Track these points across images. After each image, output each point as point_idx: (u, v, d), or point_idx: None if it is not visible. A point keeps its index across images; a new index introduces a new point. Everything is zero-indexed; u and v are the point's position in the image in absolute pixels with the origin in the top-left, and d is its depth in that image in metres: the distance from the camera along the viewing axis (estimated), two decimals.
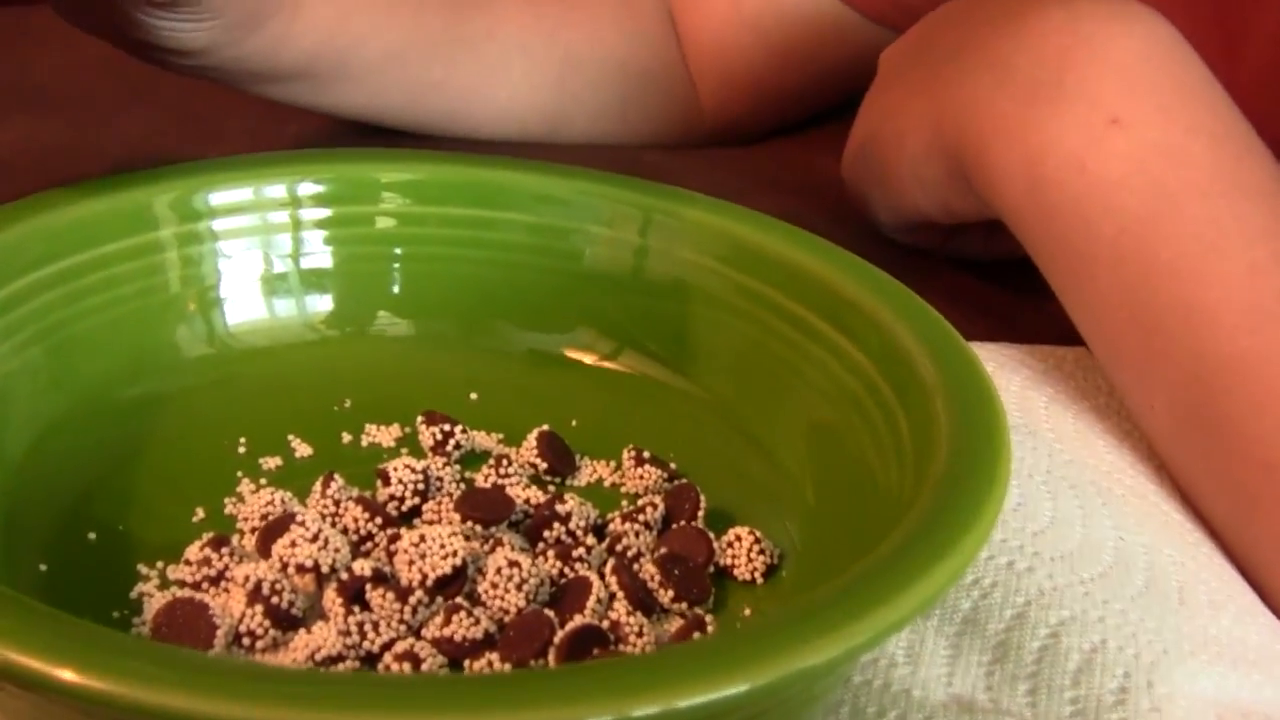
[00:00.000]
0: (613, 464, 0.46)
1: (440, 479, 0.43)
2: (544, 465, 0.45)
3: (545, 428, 0.46)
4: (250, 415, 0.47)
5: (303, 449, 0.46)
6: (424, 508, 0.42)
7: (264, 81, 0.56)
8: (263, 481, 0.44)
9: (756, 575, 0.41)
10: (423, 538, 0.39)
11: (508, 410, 0.48)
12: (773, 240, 0.47)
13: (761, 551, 0.42)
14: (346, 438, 0.46)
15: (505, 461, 0.44)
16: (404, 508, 0.42)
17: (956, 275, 0.58)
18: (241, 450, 0.45)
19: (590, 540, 0.41)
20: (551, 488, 0.45)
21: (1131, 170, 0.46)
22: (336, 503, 0.42)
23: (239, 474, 0.44)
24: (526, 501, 0.43)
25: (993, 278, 0.57)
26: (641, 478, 0.45)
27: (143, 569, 0.40)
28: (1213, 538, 0.45)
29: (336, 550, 0.39)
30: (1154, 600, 0.40)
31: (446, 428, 0.45)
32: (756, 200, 0.50)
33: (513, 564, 0.39)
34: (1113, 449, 0.45)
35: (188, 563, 0.40)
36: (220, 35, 0.50)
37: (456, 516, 0.41)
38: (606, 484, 0.45)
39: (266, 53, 0.54)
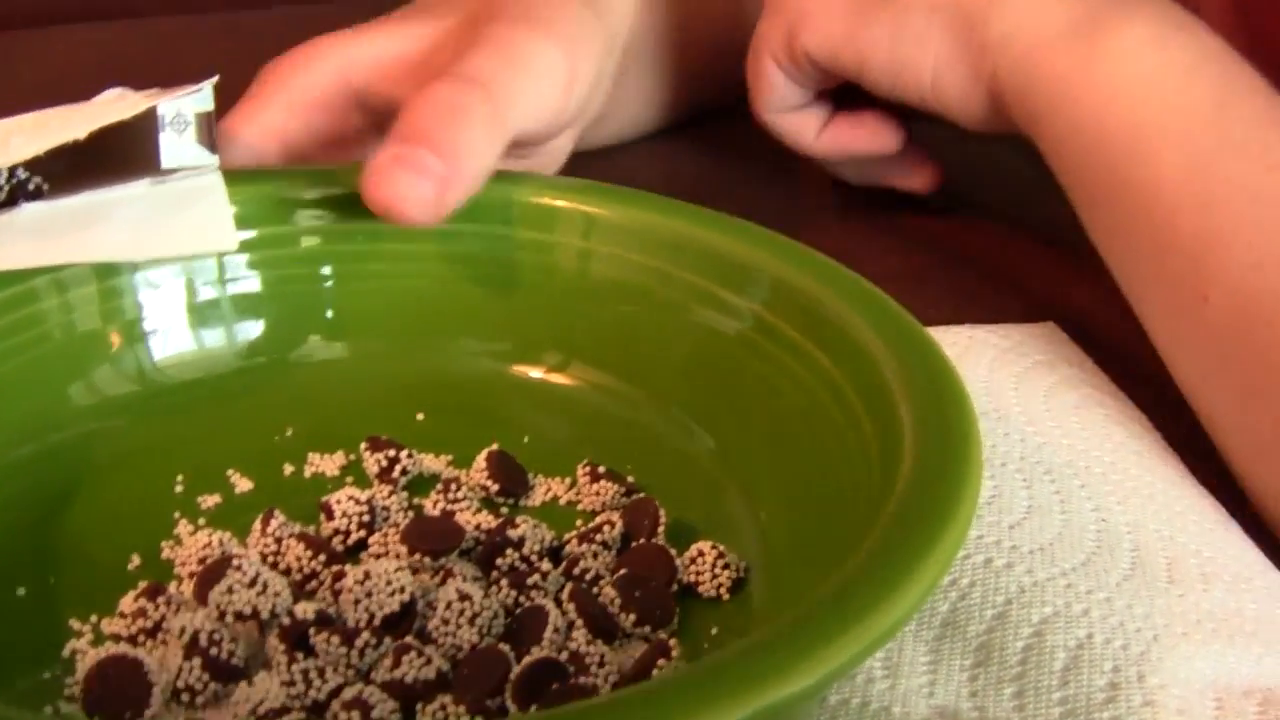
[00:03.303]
0: (568, 481, 0.44)
1: (386, 508, 0.41)
2: (495, 487, 0.43)
3: (495, 447, 0.44)
4: (186, 452, 0.44)
5: (243, 484, 0.43)
6: (370, 540, 0.40)
7: None
8: (201, 522, 0.42)
9: (722, 591, 0.39)
10: (368, 575, 0.37)
11: (456, 430, 0.45)
12: (721, 237, 0.45)
13: (726, 566, 0.40)
14: (289, 469, 0.44)
15: (454, 485, 0.42)
16: (349, 541, 0.40)
17: (919, 257, 0.56)
18: (178, 489, 0.43)
19: (545, 565, 0.39)
20: (504, 510, 0.43)
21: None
22: (278, 540, 0.40)
23: (176, 515, 0.42)
24: (477, 527, 0.41)
25: (956, 259, 0.56)
26: (598, 494, 0.43)
27: (75, 624, 0.38)
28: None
29: (277, 594, 0.37)
30: (1141, 583, 0.38)
31: (392, 454, 0.43)
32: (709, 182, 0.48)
33: (464, 598, 0.37)
34: (1088, 424, 0.44)
35: (122, 615, 0.38)
36: None
37: (404, 549, 0.39)
38: (562, 502, 0.43)
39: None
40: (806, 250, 0.44)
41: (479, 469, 0.43)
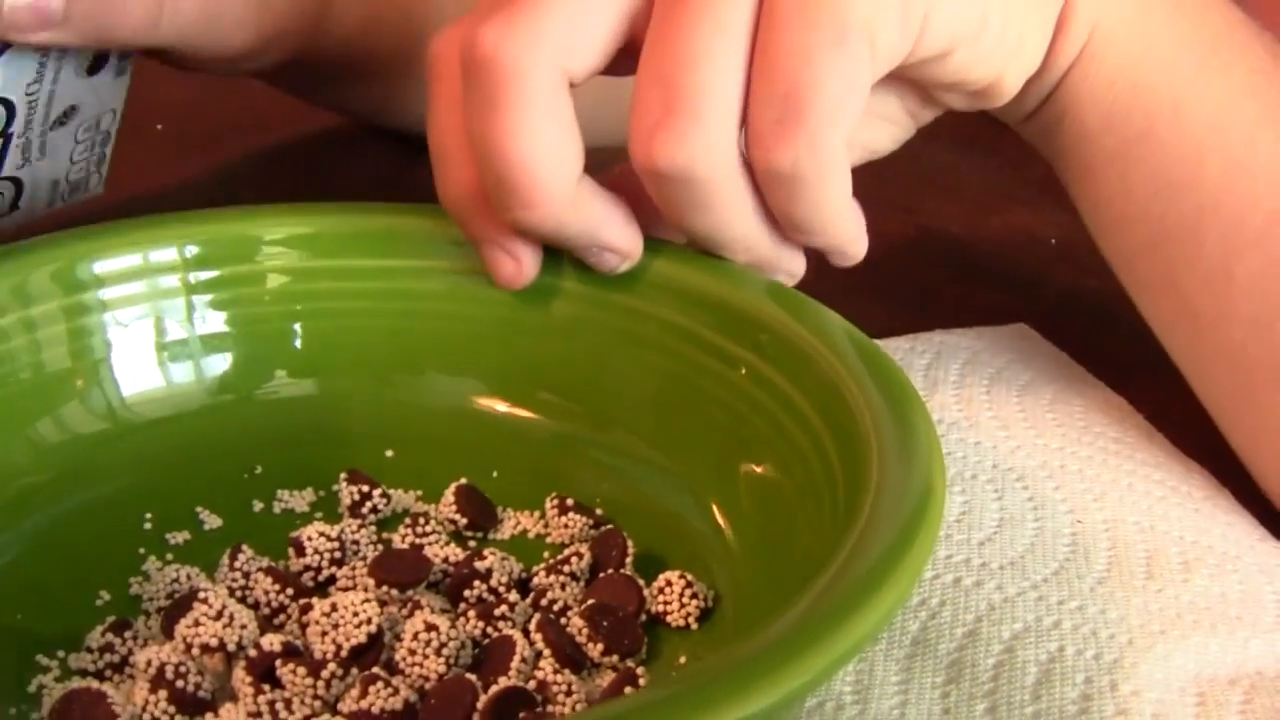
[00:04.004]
0: (536, 514, 0.44)
1: (356, 542, 0.41)
2: (464, 521, 0.43)
3: (463, 481, 0.44)
4: (154, 489, 0.44)
5: (212, 520, 0.43)
6: (338, 574, 0.40)
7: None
8: (169, 558, 0.42)
9: (690, 620, 0.39)
10: (335, 606, 0.37)
11: (425, 466, 0.45)
12: (686, 270, 0.45)
13: (694, 596, 0.40)
14: (258, 506, 0.44)
15: (423, 519, 0.42)
16: (321, 577, 0.40)
17: (883, 266, 0.56)
18: (147, 526, 0.43)
19: (513, 596, 0.39)
20: (473, 544, 0.43)
21: None
22: (246, 575, 0.40)
23: (144, 551, 0.42)
24: (445, 560, 0.41)
25: (920, 267, 0.56)
26: (566, 526, 0.43)
27: (42, 659, 0.38)
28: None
29: (243, 626, 0.37)
30: (1117, 584, 0.38)
31: (365, 489, 0.43)
32: None
33: (430, 628, 0.37)
34: (1064, 419, 0.44)
35: (89, 650, 0.38)
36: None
37: (371, 581, 0.39)
38: (531, 535, 0.43)
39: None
40: (769, 280, 0.45)
41: (447, 503, 0.43)
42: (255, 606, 0.39)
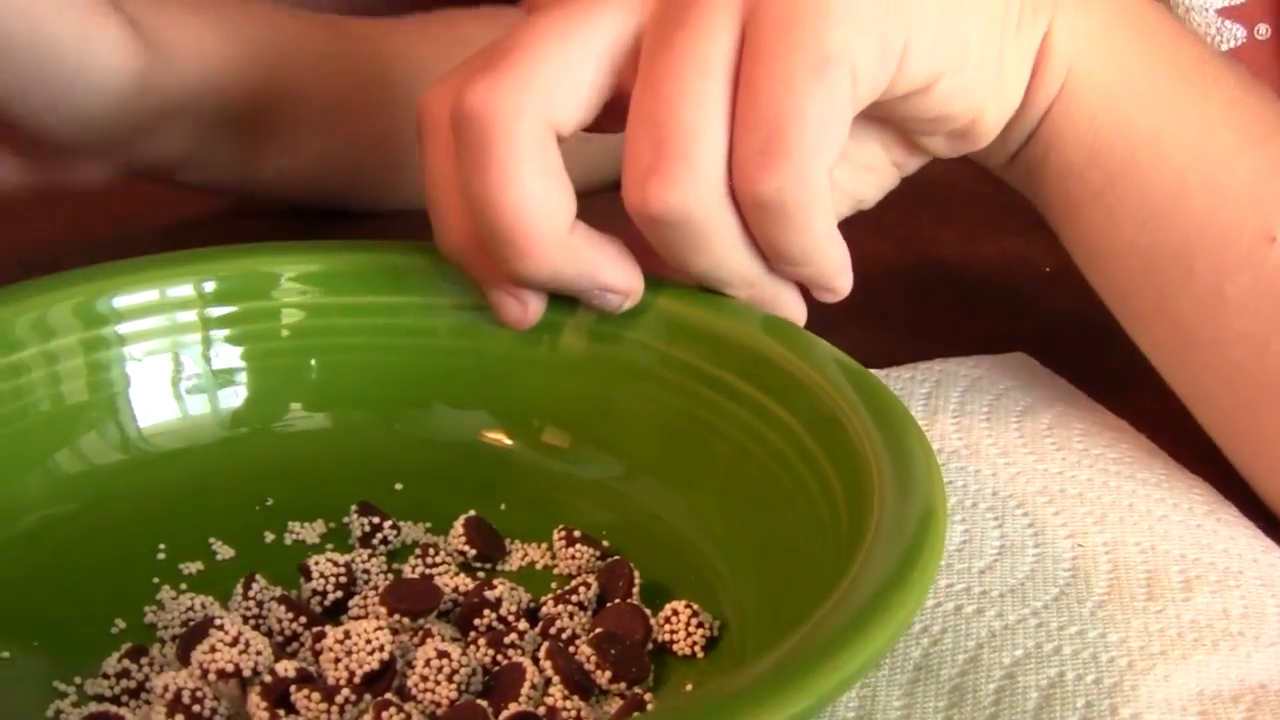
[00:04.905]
0: (544, 546, 0.45)
1: (367, 570, 0.42)
2: (473, 552, 0.44)
3: (472, 514, 0.44)
4: (168, 520, 0.45)
5: (225, 551, 0.44)
6: (350, 602, 0.41)
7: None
8: (183, 587, 0.42)
9: (697, 649, 0.40)
10: (348, 634, 0.37)
11: (434, 498, 0.46)
12: (686, 306, 0.46)
13: (700, 625, 0.40)
14: (270, 537, 0.45)
15: (433, 550, 0.43)
16: (327, 602, 0.41)
17: (879, 294, 0.57)
18: (161, 557, 0.44)
19: (523, 625, 0.40)
20: (481, 574, 0.43)
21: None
22: (259, 604, 0.41)
23: (157, 581, 0.43)
24: (455, 590, 0.41)
25: (916, 294, 0.57)
26: (573, 558, 0.43)
27: (59, 685, 0.38)
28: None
29: (258, 653, 0.37)
30: (1117, 607, 0.39)
31: (376, 520, 0.44)
32: None
33: (442, 654, 0.37)
34: (1064, 443, 0.44)
35: (105, 676, 0.38)
36: None
37: (383, 610, 0.40)
38: (538, 566, 0.44)
39: None
40: (765, 314, 0.45)
41: (456, 534, 0.44)
42: (269, 634, 0.40)
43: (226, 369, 0.48)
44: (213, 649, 0.37)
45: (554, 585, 0.43)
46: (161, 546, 0.44)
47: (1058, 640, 0.38)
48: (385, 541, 0.44)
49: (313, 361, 0.49)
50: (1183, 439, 0.46)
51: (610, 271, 0.44)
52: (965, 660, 0.38)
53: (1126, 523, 0.41)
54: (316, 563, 0.41)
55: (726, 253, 0.43)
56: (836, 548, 0.38)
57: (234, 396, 0.49)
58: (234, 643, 0.37)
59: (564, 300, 0.47)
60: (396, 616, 0.40)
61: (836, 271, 0.44)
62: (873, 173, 0.47)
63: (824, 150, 0.40)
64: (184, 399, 0.48)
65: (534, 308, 0.46)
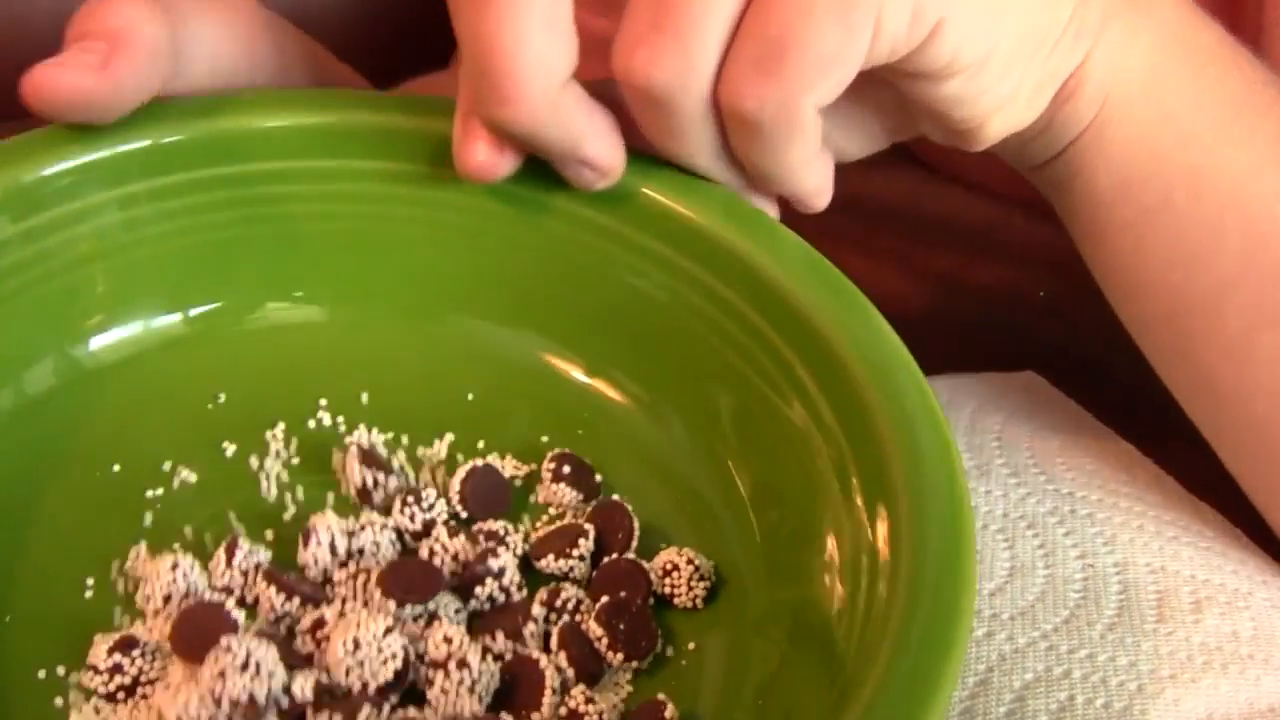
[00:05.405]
0: (530, 466, 0.43)
1: (363, 548, 0.40)
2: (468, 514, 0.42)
3: (476, 465, 0.42)
4: (122, 439, 0.42)
5: (186, 476, 0.42)
6: (341, 573, 0.39)
7: None
8: (152, 530, 0.40)
9: (697, 602, 0.40)
10: (357, 644, 0.36)
11: (407, 405, 0.44)
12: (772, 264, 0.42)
13: (701, 578, 0.40)
14: (230, 449, 0.43)
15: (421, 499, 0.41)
16: (322, 577, 0.40)
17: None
18: (116, 470, 0.42)
19: (523, 593, 0.39)
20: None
21: None
22: (244, 574, 0.39)
23: (122, 525, 0.40)
24: (455, 558, 0.40)
25: (919, 314, 0.55)
26: (559, 495, 0.42)
27: (43, 675, 0.37)
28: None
29: (271, 673, 0.36)
30: (1127, 630, 0.40)
31: (379, 476, 0.42)
32: None
33: (461, 665, 0.37)
34: (1074, 465, 0.44)
35: (95, 670, 0.37)
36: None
37: (391, 604, 0.38)
38: (530, 500, 0.43)
39: None
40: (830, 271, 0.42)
41: (455, 491, 0.42)
42: (255, 604, 0.39)
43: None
44: (222, 674, 0.36)
45: (545, 518, 0.42)
46: (115, 469, 0.42)
47: (1067, 664, 0.39)
48: (386, 495, 0.42)
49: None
50: (1188, 467, 0.46)
51: (595, 144, 0.41)
52: (975, 683, 0.39)
53: (1137, 544, 0.42)
54: (318, 533, 0.39)
55: (699, 150, 0.41)
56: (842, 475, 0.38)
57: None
58: (244, 666, 0.36)
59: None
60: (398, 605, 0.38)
61: (811, 193, 0.42)
62: (862, 130, 0.44)
63: (818, 86, 0.38)
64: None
65: (500, 162, 0.42)
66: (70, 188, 0.42)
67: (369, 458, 0.42)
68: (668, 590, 0.40)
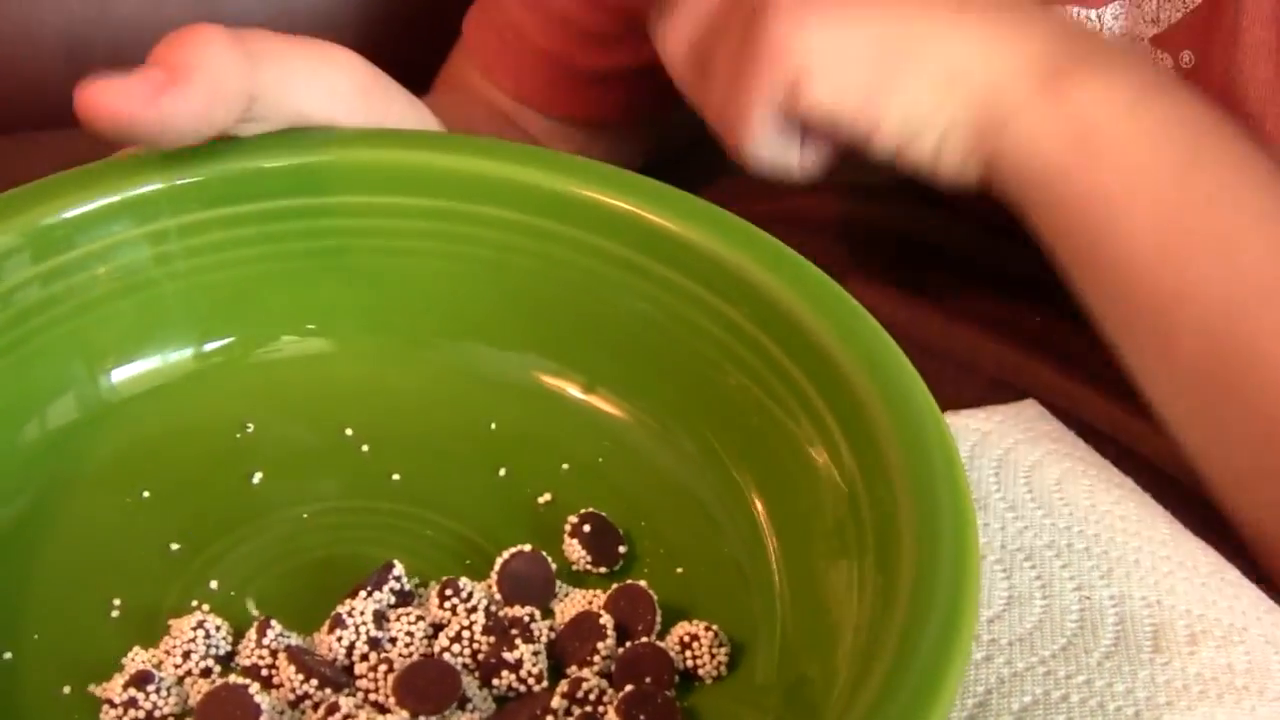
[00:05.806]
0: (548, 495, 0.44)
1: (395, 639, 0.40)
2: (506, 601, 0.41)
3: (524, 550, 0.42)
4: (148, 469, 0.43)
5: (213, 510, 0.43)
6: (360, 667, 0.39)
7: None
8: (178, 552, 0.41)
9: (721, 670, 0.40)
10: None
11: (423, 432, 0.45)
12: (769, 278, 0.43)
13: (721, 645, 0.40)
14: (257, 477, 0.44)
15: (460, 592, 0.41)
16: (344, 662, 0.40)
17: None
18: (146, 495, 0.43)
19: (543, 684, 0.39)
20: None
21: None
22: (273, 653, 0.39)
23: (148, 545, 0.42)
24: (474, 655, 0.40)
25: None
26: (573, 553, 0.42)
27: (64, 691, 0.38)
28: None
29: None
30: (1124, 659, 0.40)
31: (455, 602, 0.41)
32: None
33: None
34: (1071, 499, 0.45)
35: (111, 704, 0.38)
36: None
37: (405, 715, 0.38)
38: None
39: None
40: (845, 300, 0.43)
41: (494, 574, 0.42)
42: (279, 687, 0.39)
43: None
44: None
45: (566, 595, 0.42)
46: (145, 494, 0.43)
47: (1065, 689, 0.39)
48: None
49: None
50: (1183, 503, 0.47)
51: None
52: (974, 705, 0.39)
53: (1133, 577, 0.42)
54: (350, 624, 0.40)
55: None
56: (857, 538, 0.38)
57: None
58: None
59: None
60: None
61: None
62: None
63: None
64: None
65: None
66: (98, 224, 0.43)
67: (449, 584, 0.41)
68: (691, 663, 0.40)
